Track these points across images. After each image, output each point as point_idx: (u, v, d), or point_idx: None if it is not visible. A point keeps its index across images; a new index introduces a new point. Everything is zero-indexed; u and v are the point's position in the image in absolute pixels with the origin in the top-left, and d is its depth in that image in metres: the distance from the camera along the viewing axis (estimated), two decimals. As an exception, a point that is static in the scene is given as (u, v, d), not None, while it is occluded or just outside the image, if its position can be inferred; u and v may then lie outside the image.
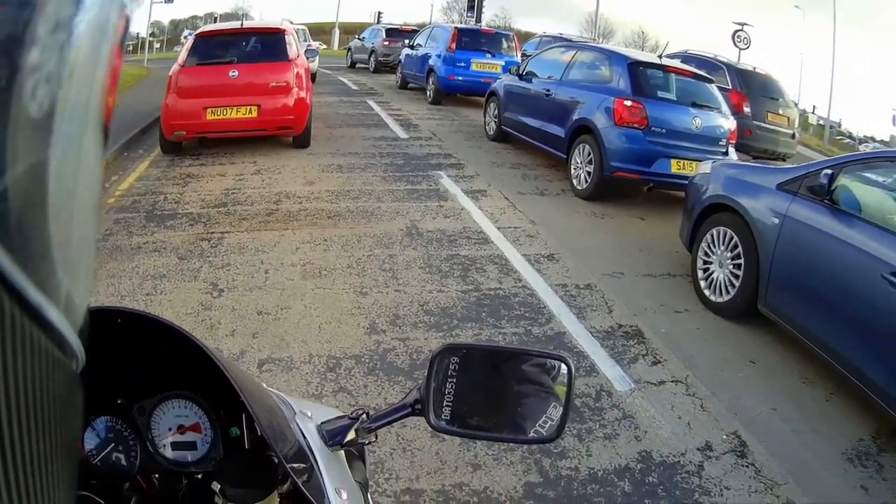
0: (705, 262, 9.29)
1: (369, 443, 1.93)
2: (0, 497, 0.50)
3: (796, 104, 25.56)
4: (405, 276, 8.77)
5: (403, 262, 9.24)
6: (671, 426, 6.37)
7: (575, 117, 13.84)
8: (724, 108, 14.15)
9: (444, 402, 1.82)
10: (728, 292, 8.79)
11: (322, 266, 8.79)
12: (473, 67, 24.29)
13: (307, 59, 17.74)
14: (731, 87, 20.16)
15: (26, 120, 0.50)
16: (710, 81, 14.51)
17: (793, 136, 21.79)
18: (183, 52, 15.90)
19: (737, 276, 8.66)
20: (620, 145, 12.77)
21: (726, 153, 13.32)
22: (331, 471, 1.67)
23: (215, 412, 1.84)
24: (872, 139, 74.44)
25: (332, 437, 1.82)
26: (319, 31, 54.11)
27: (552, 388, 1.86)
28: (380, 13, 67.20)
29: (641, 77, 13.38)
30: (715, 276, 9.06)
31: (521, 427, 1.85)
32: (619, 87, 13.24)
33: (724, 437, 6.33)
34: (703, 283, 9.25)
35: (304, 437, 1.72)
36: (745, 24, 43.00)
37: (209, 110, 14.48)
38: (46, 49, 0.51)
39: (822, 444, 6.53)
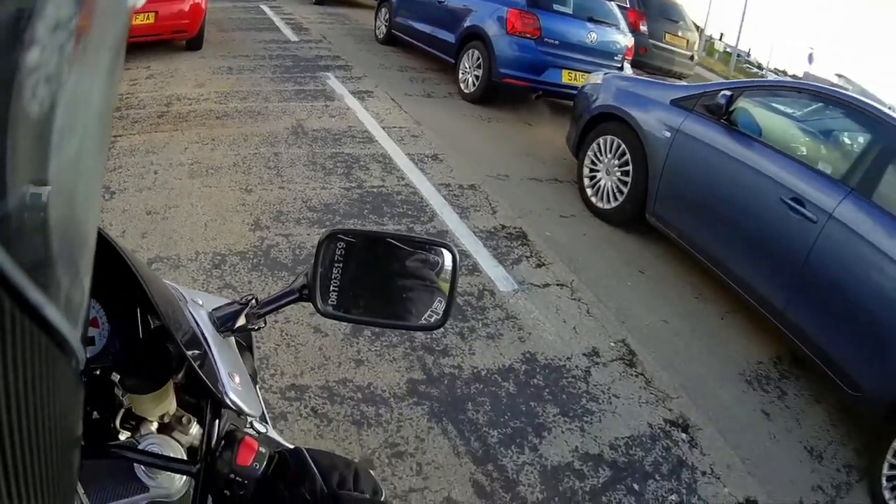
0: (592, 170, 9.53)
1: (259, 328, 1.84)
2: (0, 496, 0.50)
3: (699, 29, 25.36)
4: (289, 174, 8.77)
5: (288, 160, 9.23)
6: (556, 329, 6.45)
7: (466, 24, 14.11)
8: (623, 25, 14.59)
9: (331, 288, 1.80)
10: (616, 199, 9.02)
11: (209, 165, 8.71)
12: None
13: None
14: (629, 5, 20.78)
15: (26, 120, 0.51)
16: None
17: (691, 57, 22.93)
18: None
19: (624, 184, 8.88)
20: (511, 53, 13.05)
21: (621, 68, 13.79)
22: (223, 355, 1.63)
23: (111, 305, 1.70)
24: (784, 73, 75.41)
25: (223, 322, 1.76)
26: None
27: (437, 278, 1.86)
28: None
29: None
30: (602, 183, 9.29)
31: (406, 315, 1.85)
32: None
33: (612, 344, 6.45)
34: (589, 190, 9.49)
35: (197, 324, 1.67)
36: None
37: (105, 18, 14.08)
38: (46, 49, 0.52)
39: (718, 362, 6.72)
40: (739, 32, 60.30)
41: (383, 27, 18.35)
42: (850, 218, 6.40)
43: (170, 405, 1.61)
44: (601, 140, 9.38)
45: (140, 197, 7.78)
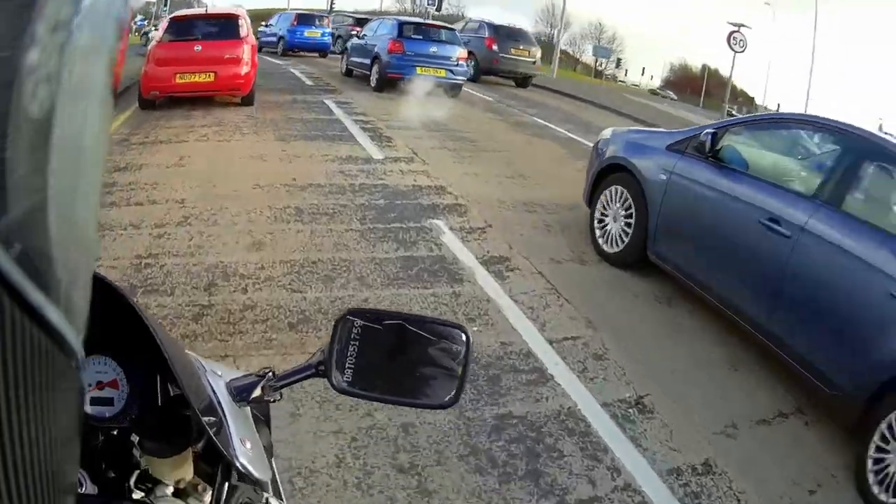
0: (601, 218, 10.39)
1: (274, 401, 1.88)
2: (0, 496, 0.50)
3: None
4: (440, 483, 5.21)
5: (430, 443, 5.61)
6: None
7: (373, 52, 26.38)
8: (458, 41, 27.03)
9: (347, 365, 1.84)
10: (621, 243, 9.90)
11: (294, 460, 5.24)
12: (307, 34, 43.15)
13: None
14: (487, 35, 35.02)
15: (26, 120, 0.50)
16: (451, 29, 28.20)
17: (534, 62, 36.82)
18: (160, 31, 20.97)
19: (629, 229, 9.74)
20: (391, 62, 25.08)
21: (457, 65, 25.86)
22: (237, 423, 1.68)
23: (131, 369, 1.75)
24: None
25: (240, 392, 1.81)
26: (267, 16, 57.66)
27: (451, 357, 1.89)
28: (332, 1, 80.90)
29: (404, 29, 25.93)
30: (609, 229, 10.16)
31: (420, 394, 1.90)
32: (393, 35, 25.63)
33: None
34: (598, 234, 10.38)
35: (214, 393, 1.72)
36: (742, 26, 40.97)
37: (178, 75, 18.92)
38: (46, 49, 0.52)
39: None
40: (806, 106, 60.03)
41: (344, 66, 31.09)
42: (821, 229, 6.98)
43: (186, 472, 1.63)
44: (609, 190, 10.27)
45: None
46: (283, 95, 23.81)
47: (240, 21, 20.11)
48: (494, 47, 34.27)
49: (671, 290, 9.49)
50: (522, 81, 36.47)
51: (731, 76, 43.97)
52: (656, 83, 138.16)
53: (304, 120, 18.92)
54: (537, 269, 9.56)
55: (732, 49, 40.77)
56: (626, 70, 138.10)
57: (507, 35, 35.61)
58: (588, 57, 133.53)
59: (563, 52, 64.66)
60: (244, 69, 19.32)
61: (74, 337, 0.57)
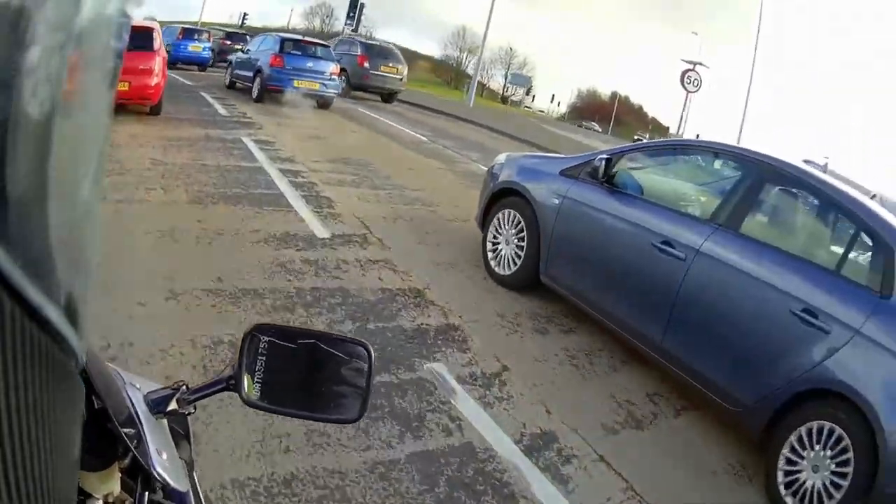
0: (494, 240, 10.61)
1: (189, 413, 1.91)
2: (0, 494, 0.50)
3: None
4: None
5: None
6: None
7: (257, 65, 29.29)
8: (332, 57, 30.85)
9: (256, 379, 1.89)
10: (514, 265, 10.13)
11: None
12: (190, 48, 45.08)
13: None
14: (359, 53, 38.29)
15: (26, 120, 0.52)
16: (326, 46, 32.26)
17: (400, 79, 40.09)
18: None
19: (521, 252, 10.01)
20: (272, 75, 28.23)
21: (331, 79, 29.70)
22: (154, 435, 1.70)
23: None
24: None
25: (156, 405, 1.83)
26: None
27: (357, 374, 1.96)
28: (245, 14, 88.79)
29: (285, 45, 29.33)
30: (502, 251, 10.39)
31: (326, 408, 1.98)
32: (274, 50, 28.79)
33: None
34: (490, 257, 10.60)
35: (133, 405, 1.73)
36: (698, 64, 38.84)
37: (93, 84, 18.50)
38: (46, 49, 0.53)
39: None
40: (739, 139, 59.41)
41: (228, 79, 32.78)
42: (718, 251, 7.31)
43: (114, 487, 1.59)
44: (502, 213, 10.52)
45: None
46: (194, 128, 20.89)
47: (154, 34, 21.06)
48: (366, 64, 38.60)
49: (747, 457, 7.28)
50: (388, 97, 40.63)
51: (682, 117, 42.33)
52: (563, 109, 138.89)
53: (222, 168, 15.18)
54: (596, 451, 6.65)
55: (686, 89, 38.91)
56: (534, 96, 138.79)
57: (377, 53, 40.01)
58: (495, 82, 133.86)
59: (470, 77, 64.85)
60: (155, 80, 20.33)
61: (75, 337, 0.60)
